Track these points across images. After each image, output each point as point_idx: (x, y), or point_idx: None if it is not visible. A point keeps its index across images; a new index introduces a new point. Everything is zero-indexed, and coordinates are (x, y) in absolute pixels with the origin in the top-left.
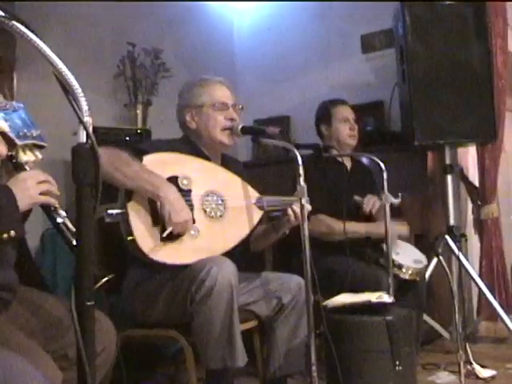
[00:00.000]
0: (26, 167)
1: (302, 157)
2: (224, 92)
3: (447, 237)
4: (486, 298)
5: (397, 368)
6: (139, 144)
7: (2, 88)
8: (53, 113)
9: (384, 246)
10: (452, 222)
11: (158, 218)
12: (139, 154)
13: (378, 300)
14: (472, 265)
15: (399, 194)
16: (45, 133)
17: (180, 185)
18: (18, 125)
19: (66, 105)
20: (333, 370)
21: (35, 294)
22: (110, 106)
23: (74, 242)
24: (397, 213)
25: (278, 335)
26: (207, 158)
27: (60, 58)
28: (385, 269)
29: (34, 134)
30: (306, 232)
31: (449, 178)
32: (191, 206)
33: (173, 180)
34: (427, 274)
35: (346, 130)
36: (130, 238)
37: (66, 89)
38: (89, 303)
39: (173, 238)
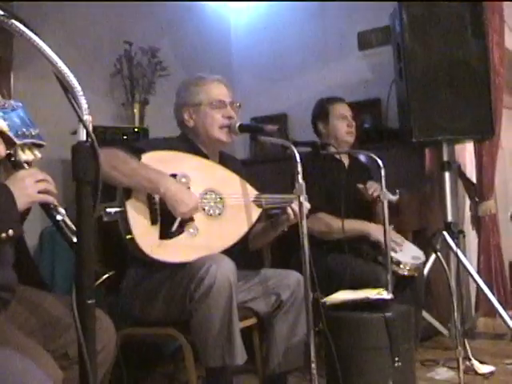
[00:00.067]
0: (25, 165)
1: (299, 154)
2: (221, 90)
3: (445, 233)
4: (484, 294)
5: (396, 364)
6: (136, 143)
7: (0, 87)
8: (50, 112)
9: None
10: (450, 218)
11: (156, 216)
12: (137, 152)
13: (377, 297)
14: (470, 261)
15: (397, 190)
16: (42, 132)
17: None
18: (17, 124)
19: (63, 104)
20: (332, 367)
21: (34, 293)
22: (107, 105)
23: (74, 240)
24: (395, 210)
25: (277, 331)
26: (205, 156)
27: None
28: (383, 265)
29: (33, 133)
30: (305, 230)
31: (446, 174)
32: None
33: None
34: (425, 271)
35: (343, 127)
36: (128, 236)
37: (66, 87)
38: (89, 301)
39: (184, 224)
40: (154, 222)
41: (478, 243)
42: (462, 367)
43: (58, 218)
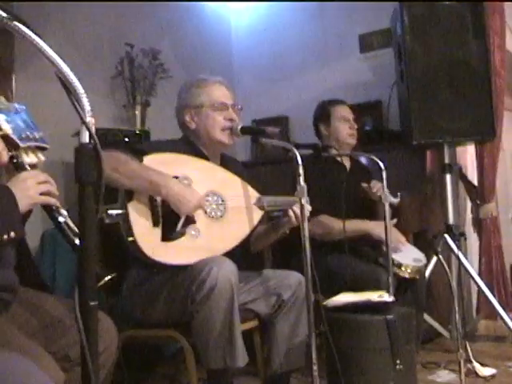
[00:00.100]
0: (27, 167)
1: (301, 156)
2: (223, 92)
3: (446, 236)
4: (486, 297)
5: (397, 367)
6: (138, 145)
7: (4, 89)
8: (51, 114)
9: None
10: (451, 220)
11: (158, 218)
12: (138, 154)
13: (379, 299)
14: (471, 263)
15: (398, 193)
16: (43, 133)
17: None
18: (21, 127)
19: (64, 105)
20: (333, 369)
21: (35, 295)
22: (108, 107)
23: (76, 242)
24: (396, 212)
25: (279, 331)
26: (207, 158)
27: None
28: (384, 268)
29: (37, 136)
30: (307, 232)
31: (448, 177)
32: None
33: None
34: (427, 273)
35: (345, 129)
36: (130, 238)
37: (68, 89)
38: (92, 303)
39: (189, 222)
40: (155, 224)
41: (479, 245)
42: (463, 370)
43: (60, 219)
